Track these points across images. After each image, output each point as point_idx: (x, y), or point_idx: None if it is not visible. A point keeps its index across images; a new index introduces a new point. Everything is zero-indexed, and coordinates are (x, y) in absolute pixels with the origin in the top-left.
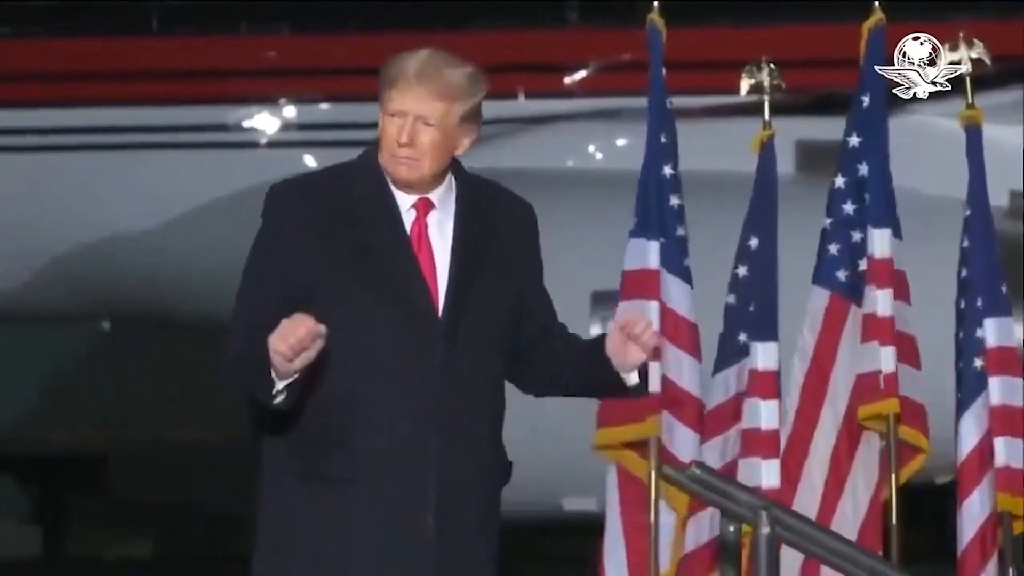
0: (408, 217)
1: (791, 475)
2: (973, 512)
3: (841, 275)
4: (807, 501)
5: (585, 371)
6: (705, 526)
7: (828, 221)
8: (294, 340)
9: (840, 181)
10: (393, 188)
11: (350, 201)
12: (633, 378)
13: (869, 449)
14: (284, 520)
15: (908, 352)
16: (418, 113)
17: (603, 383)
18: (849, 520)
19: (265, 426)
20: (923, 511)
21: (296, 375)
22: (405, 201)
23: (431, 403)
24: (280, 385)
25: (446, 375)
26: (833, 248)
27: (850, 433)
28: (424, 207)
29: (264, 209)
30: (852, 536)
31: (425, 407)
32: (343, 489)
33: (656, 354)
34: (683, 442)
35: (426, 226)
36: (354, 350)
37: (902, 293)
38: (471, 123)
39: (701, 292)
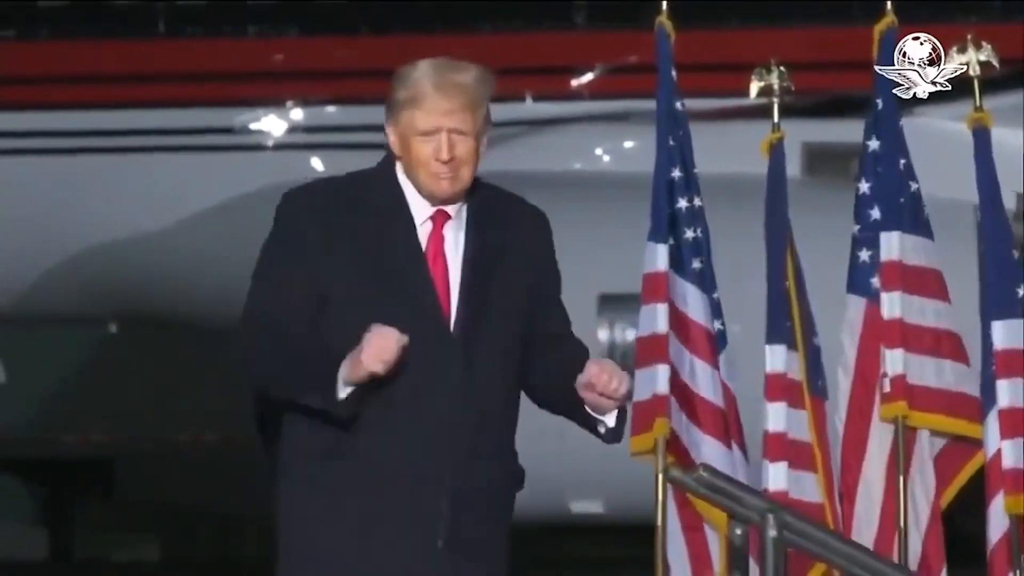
0: (424, 230)
1: (849, 491)
2: (999, 512)
3: (875, 282)
4: (866, 512)
5: (569, 408)
6: None
7: (856, 228)
8: (389, 357)
9: (865, 187)
10: (410, 200)
11: (366, 210)
12: (610, 421)
13: (924, 453)
14: (300, 527)
15: (954, 349)
16: (451, 126)
17: (581, 422)
18: (912, 527)
19: (272, 429)
20: None
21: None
22: (422, 212)
23: (447, 419)
24: (344, 393)
25: (462, 390)
26: (864, 255)
27: (905, 439)
28: (441, 218)
29: (277, 213)
30: (918, 542)
31: (441, 423)
32: (354, 500)
33: (629, 396)
34: (696, 444)
35: (442, 239)
36: None
37: (940, 292)
38: (487, 123)
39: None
